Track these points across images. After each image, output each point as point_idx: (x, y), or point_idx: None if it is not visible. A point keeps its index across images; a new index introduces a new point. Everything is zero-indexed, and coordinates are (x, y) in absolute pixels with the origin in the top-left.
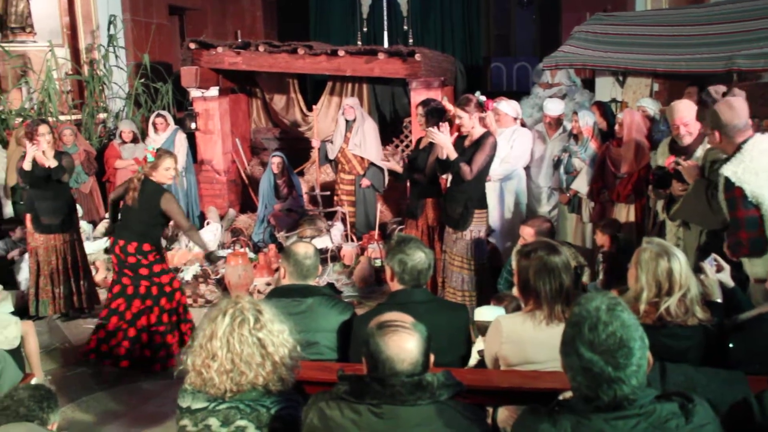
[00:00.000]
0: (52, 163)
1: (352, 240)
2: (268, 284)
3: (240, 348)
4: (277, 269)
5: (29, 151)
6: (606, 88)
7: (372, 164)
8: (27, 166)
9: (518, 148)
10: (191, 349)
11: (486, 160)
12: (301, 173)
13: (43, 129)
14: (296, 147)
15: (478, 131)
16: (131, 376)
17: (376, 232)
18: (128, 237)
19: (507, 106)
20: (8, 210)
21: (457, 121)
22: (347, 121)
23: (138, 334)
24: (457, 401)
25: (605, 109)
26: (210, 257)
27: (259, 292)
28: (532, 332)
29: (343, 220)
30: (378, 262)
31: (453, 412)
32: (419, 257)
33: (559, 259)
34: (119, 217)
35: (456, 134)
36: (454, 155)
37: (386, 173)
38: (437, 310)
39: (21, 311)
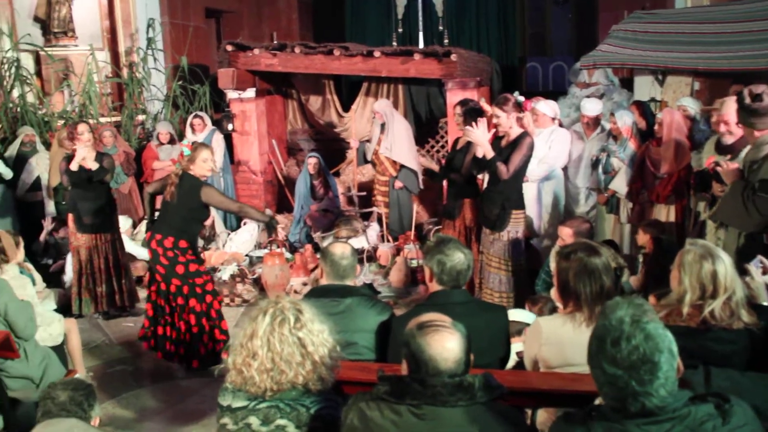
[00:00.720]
0: (93, 165)
1: (388, 240)
2: (305, 284)
3: (280, 347)
4: (314, 269)
5: (78, 152)
6: (645, 88)
7: (404, 166)
8: (74, 167)
9: (556, 148)
10: (232, 347)
11: (523, 160)
12: (337, 174)
13: (82, 128)
14: (332, 148)
15: (515, 131)
16: (170, 375)
17: (412, 232)
18: (166, 231)
19: (545, 106)
20: (51, 209)
21: (495, 121)
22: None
23: (167, 332)
24: (497, 403)
25: (644, 109)
26: (270, 224)
27: (295, 292)
28: (572, 334)
29: (379, 221)
30: (414, 263)
31: (493, 414)
32: (458, 258)
33: (600, 261)
34: (158, 214)
35: (493, 134)
36: (490, 153)
37: (419, 174)
38: (476, 311)
39: (63, 309)
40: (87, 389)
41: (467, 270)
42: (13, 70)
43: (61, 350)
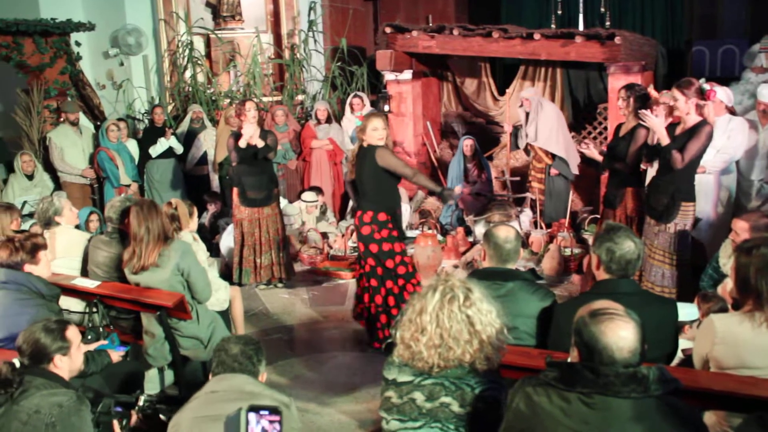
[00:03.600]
0: (259, 142)
1: (541, 227)
2: (456, 266)
3: (449, 324)
4: (465, 252)
5: (246, 129)
6: None
7: None
8: (243, 144)
9: (736, 138)
10: (400, 323)
11: (700, 149)
12: (491, 158)
13: (249, 105)
14: (486, 131)
15: (692, 119)
16: (323, 347)
17: (567, 220)
18: (365, 206)
19: (722, 93)
20: (215, 183)
21: (672, 104)
22: (527, 114)
23: (359, 308)
24: (671, 398)
25: None
26: (443, 194)
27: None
28: (750, 335)
29: (533, 207)
30: (567, 251)
31: (669, 409)
32: (628, 247)
33: None
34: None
35: (669, 120)
36: (666, 141)
37: (575, 161)
38: (645, 303)
39: (223, 278)
40: (256, 345)
41: (637, 260)
42: (186, 52)
43: (225, 315)
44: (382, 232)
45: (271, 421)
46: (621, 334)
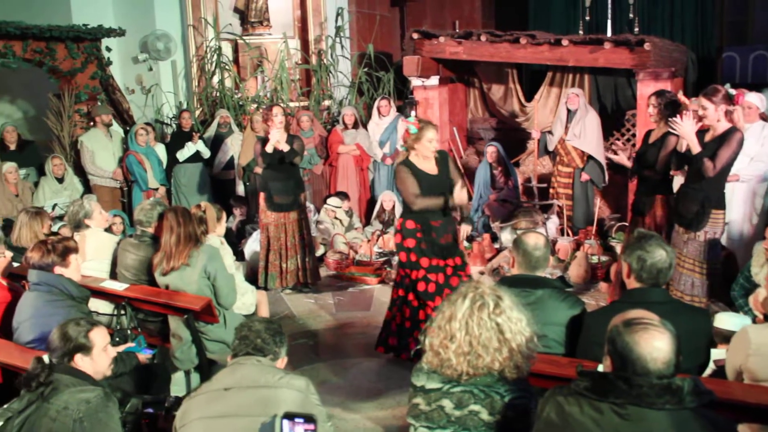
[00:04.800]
0: (285, 147)
1: (568, 234)
2: (482, 273)
3: (478, 331)
4: (491, 258)
5: (272, 134)
6: None
7: (591, 158)
8: (269, 149)
9: None
10: (428, 329)
11: (731, 157)
12: (517, 164)
13: (276, 110)
14: (512, 138)
15: (722, 126)
16: (348, 352)
17: (594, 227)
18: (402, 214)
19: (756, 99)
20: (241, 188)
21: (701, 113)
22: (569, 111)
23: (388, 320)
24: (707, 410)
25: None
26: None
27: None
28: None
29: (559, 214)
30: (594, 259)
31: (702, 421)
32: (660, 255)
33: None
34: None
35: (698, 126)
36: (697, 148)
37: (605, 167)
38: (676, 312)
39: (249, 282)
40: (278, 327)
41: (668, 269)
42: (214, 57)
43: None
44: (407, 241)
45: (306, 430)
46: (655, 345)
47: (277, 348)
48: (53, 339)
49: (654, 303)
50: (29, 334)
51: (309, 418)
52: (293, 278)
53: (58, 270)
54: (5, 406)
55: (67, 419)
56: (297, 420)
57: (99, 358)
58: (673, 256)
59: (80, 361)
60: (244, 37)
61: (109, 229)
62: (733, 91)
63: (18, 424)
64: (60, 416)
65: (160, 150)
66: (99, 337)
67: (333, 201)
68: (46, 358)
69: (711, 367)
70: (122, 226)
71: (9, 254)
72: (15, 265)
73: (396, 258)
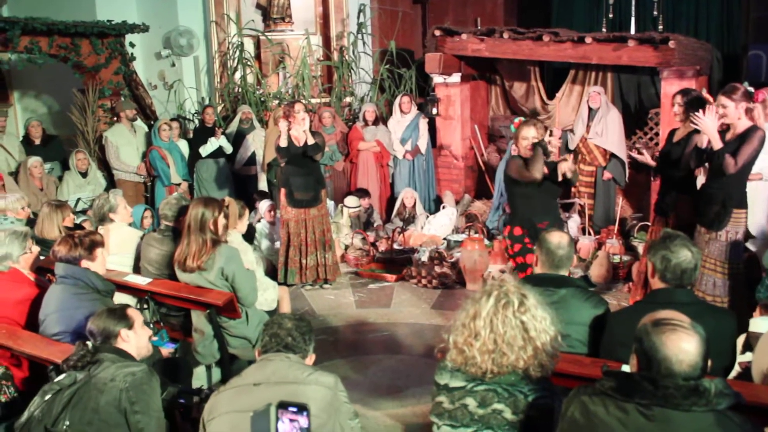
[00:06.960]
0: (310, 139)
1: (589, 233)
2: (502, 271)
3: (503, 329)
4: (511, 257)
5: (293, 129)
6: None
7: (613, 156)
8: (283, 143)
9: None
10: (453, 327)
11: (752, 154)
12: None
13: (298, 107)
14: None
15: (743, 124)
16: (367, 349)
17: (616, 227)
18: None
19: None
20: (263, 184)
21: (721, 111)
22: (590, 109)
23: None
24: (734, 413)
25: None
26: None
27: (493, 278)
28: None
29: (581, 213)
30: (617, 258)
31: (730, 424)
32: (685, 255)
33: None
34: None
35: (720, 122)
36: (719, 145)
37: (627, 166)
38: (701, 313)
39: (269, 278)
40: (308, 324)
41: (694, 270)
42: (237, 53)
43: (273, 315)
44: (515, 248)
45: (292, 420)
46: (682, 347)
47: (306, 346)
48: (95, 324)
49: (679, 303)
50: (55, 327)
51: (301, 408)
52: (313, 274)
53: (84, 263)
54: (56, 379)
55: (114, 389)
56: (290, 408)
57: (141, 332)
58: (699, 257)
59: (125, 337)
60: (266, 34)
61: (140, 223)
62: (751, 89)
63: (67, 395)
64: (107, 387)
65: (183, 145)
66: (135, 314)
67: (349, 201)
68: (89, 343)
69: (736, 369)
70: (152, 219)
71: (36, 249)
72: (41, 258)
73: (416, 255)
